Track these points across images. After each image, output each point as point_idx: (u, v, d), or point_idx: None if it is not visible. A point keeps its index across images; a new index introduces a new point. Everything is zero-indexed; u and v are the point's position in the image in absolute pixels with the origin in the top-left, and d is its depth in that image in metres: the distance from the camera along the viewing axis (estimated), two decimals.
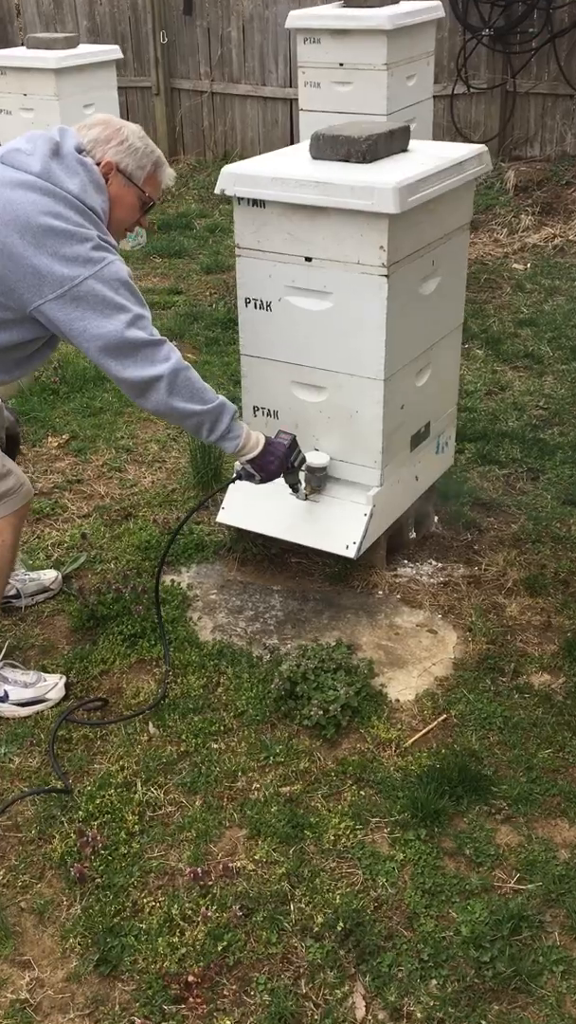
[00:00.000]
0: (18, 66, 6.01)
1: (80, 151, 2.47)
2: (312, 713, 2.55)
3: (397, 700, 2.69)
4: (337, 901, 2.12)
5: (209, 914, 2.07)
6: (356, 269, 2.75)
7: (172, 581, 3.20)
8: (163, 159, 2.60)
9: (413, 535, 3.39)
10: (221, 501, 3.22)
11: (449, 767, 2.43)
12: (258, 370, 3.06)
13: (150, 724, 2.60)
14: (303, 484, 2.97)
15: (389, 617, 3.04)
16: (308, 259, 2.82)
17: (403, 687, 2.74)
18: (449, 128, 7.46)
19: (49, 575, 3.19)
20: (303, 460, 2.87)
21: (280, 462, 2.70)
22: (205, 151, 8.57)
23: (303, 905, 2.12)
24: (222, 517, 3.20)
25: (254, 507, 3.12)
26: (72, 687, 2.76)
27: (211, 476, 3.75)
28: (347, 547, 2.97)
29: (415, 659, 2.86)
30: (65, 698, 2.71)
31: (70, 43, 6.24)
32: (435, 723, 2.60)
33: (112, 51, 6.35)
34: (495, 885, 2.17)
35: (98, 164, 2.48)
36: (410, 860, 2.21)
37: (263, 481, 2.73)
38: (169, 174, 2.63)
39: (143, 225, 2.67)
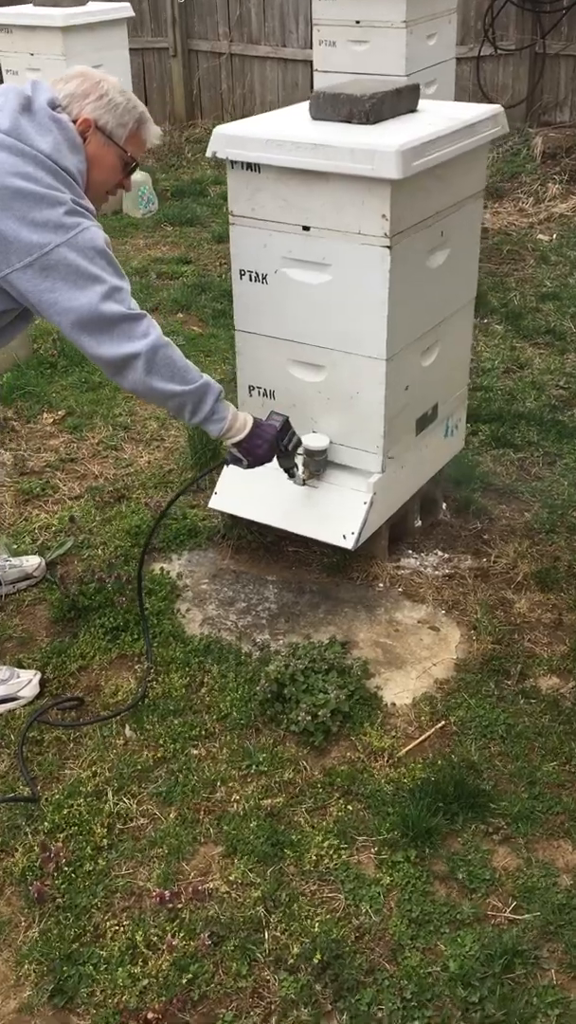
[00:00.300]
0: (24, 24, 5.79)
1: (54, 107, 2.27)
2: (299, 718, 2.38)
3: (393, 704, 2.51)
4: (316, 929, 1.96)
5: (175, 943, 1.91)
6: (357, 239, 2.54)
7: (161, 569, 3.03)
8: (147, 115, 2.40)
9: (419, 523, 3.19)
10: (214, 485, 3.04)
11: (445, 781, 2.25)
12: (253, 347, 2.86)
13: (127, 726, 2.44)
14: (300, 469, 2.78)
15: (389, 612, 2.85)
16: (306, 228, 2.61)
17: (400, 689, 2.56)
18: (475, 92, 7.17)
19: (32, 561, 3.02)
20: (298, 443, 2.68)
21: (270, 446, 2.52)
22: (223, 115, 8.30)
23: (278, 933, 1.95)
24: (214, 503, 3.02)
25: (248, 492, 2.93)
26: (48, 683, 2.60)
27: (210, 456, 3.57)
28: (345, 537, 2.78)
29: (415, 659, 2.67)
30: (39, 695, 2.56)
31: (79, 0, 6.00)
32: (432, 731, 2.42)
33: (123, 8, 6.11)
34: (488, 914, 2.00)
35: (74, 121, 2.28)
36: (397, 884, 2.04)
37: (251, 466, 2.54)
38: (154, 132, 2.43)
39: (126, 188, 2.47)
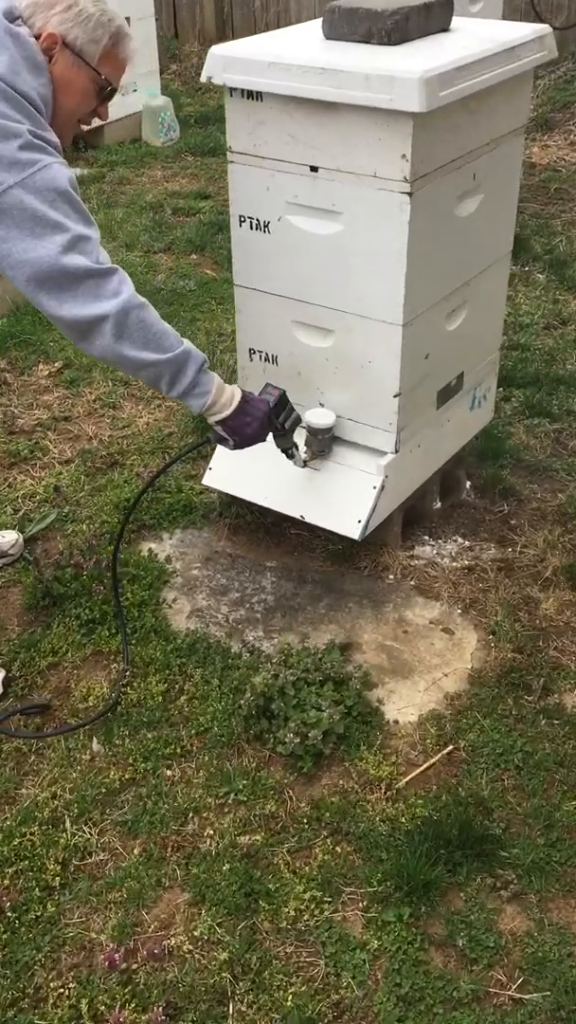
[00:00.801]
0: None
1: (13, 18, 1.91)
2: (287, 739, 2.09)
3: (395, 722, 2.22)
4: (288, 1003, 1.69)
5: (124, 1015, 1.66)
6: (372, 184, 2.17)
7: (150, 551, 2.73)
8: (125, 30, 2.02)
9: (438, 505, 2.86)
10: (209, 460, 2.73)
11: (448, 821, 1.96)
12: (254, 305, 2.52)
13: (94, 740, 2.17)
14: (300, 449, 2.45)
15: (398, 609, 2.54)
16: (314, 169, 2.25)
17: (405, 704, 2.27)
18: (527, 11, 6.57)
19: (9, 537, 2.74)
20: (297, 421, 2.35)
21: (260, 424, 2.19)
22: (256, 34, 7.76)
23: (244, 1007, 1.69)
24: (208, 479, 2.71)
25: (246, 470, 2.61)
26: (14, 682, 2.34)
27: None
28: (351, 525, 2.46)
29: (424, 667, 2.37)
30: (3, 696, 2.29)
31: None
32: (438, 757, 2.13)
33: None
34: (490, 991, 1.72)
35: (37, 36, 1.92)
36: (386, 950, 1.77)
37: (239, 446, 2.22)
38: (132, 50, 2.06)
39: (102, 116, 2.11)
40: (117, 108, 5.92)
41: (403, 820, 1.98)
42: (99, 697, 2.28)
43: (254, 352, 2.59)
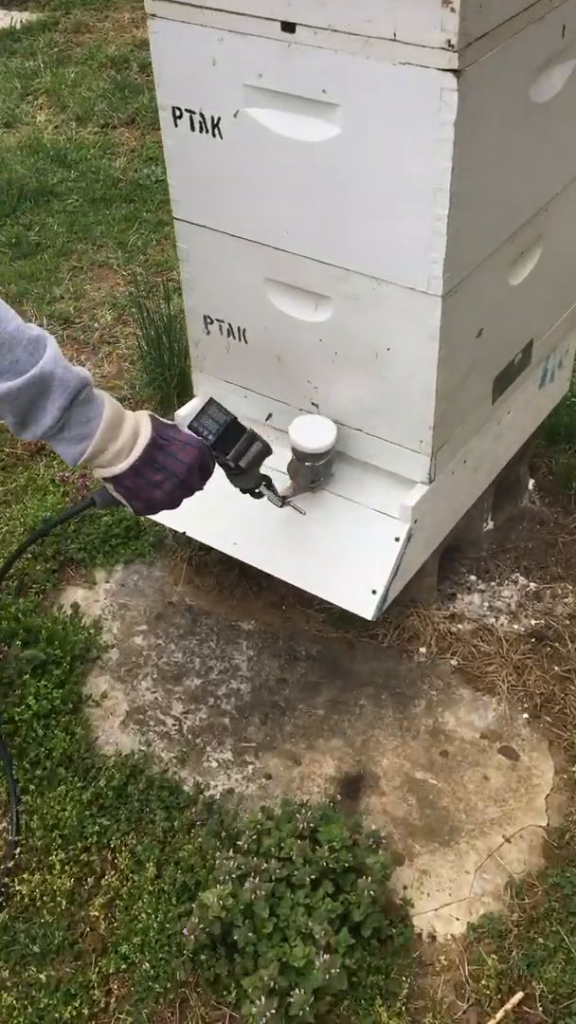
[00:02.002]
0: None
1: None
2: (258, 1002, 1.30)
3: (431, 937, 1.42)
4: None
5: None
6: (390, 53, 1.22)
7: (75, 607, 1.90)
8: None
9: (489, 526, 1.99)
10: None
11: None
12: (207, 251, 1.59)
13: None
14: (273, 484, 1.57)
15: (434, 712, 1.71)
16: (289, 28, 1.29)
17: (446, 899, 1.46)
18: None
19: None
20: (262, 453, 1.47)
21: (180, 482, 1.31)
22: None
23: None
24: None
25: (207, 503, 1.74)
26: None
27: (174, 382, 2.35)
28: (362, 599, 1.60)
29: (473, 824, 1.56)
30: None
31: None
32: (500, 1016, 1.34)
33: None
34: None
35: None
36: None
37: (145, 513, 1.35)
38: None
39: None
40: None
41: None
42: None
43: (211, 320, 1.68)
